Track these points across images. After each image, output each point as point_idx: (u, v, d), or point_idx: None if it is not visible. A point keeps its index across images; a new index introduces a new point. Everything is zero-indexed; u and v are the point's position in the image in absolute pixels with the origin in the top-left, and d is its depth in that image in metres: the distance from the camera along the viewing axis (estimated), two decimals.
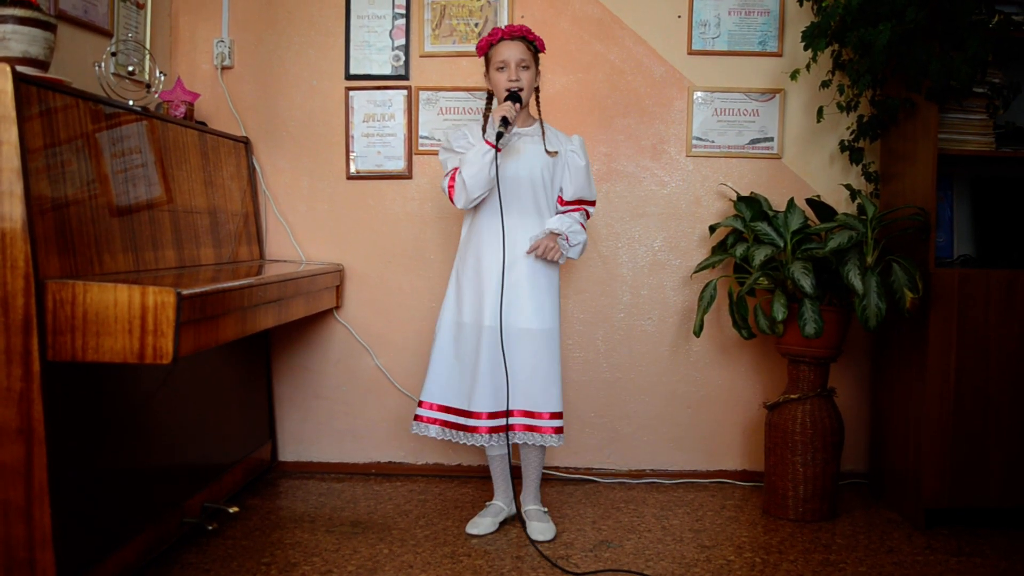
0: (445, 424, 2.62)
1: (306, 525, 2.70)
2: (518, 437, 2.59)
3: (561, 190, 2.65)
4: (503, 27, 2.61)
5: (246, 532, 2.62)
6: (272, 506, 2.88)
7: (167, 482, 2.40)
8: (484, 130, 2.62)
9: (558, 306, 2.67)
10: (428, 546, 2.54)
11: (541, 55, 2.66)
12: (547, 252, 2.54)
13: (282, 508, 2.87)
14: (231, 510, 2.58)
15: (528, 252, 2.57)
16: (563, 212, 2.65)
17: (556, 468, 3.23)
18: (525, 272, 2.58)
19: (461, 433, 2.60)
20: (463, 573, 2.34)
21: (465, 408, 2.59)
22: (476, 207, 2.63)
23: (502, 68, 2.56)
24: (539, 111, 2.69)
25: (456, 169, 2.54)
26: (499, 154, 2.49)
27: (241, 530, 2.63)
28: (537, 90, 2.66)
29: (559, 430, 2.58)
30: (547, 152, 2.61)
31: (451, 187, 2.56)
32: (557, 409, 2.58)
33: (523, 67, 2.56)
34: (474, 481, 3.19)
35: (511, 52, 2.55)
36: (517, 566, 2.39)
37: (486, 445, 2.61)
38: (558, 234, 2.57)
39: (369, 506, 2.91)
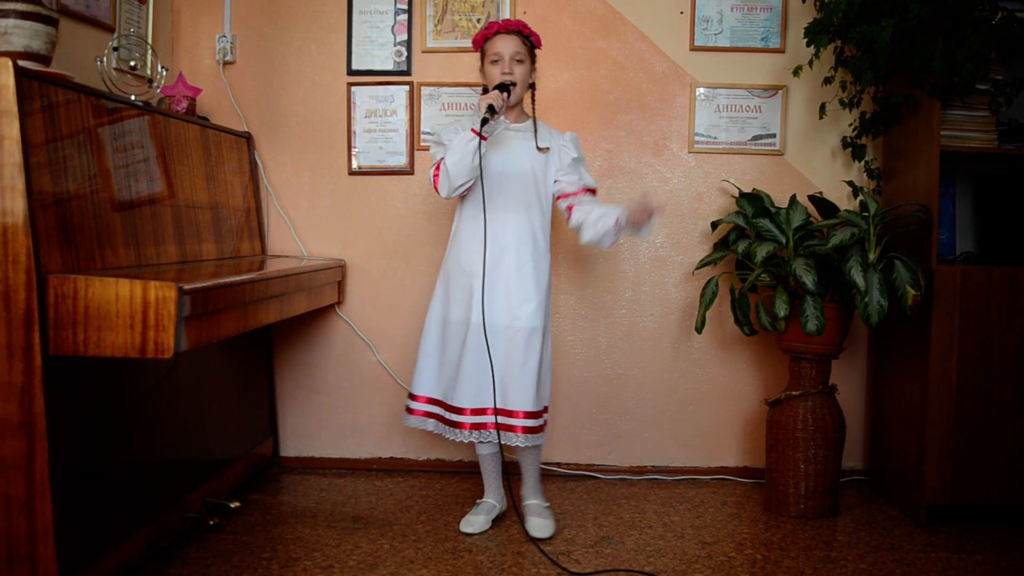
0: (436, 417, 2.61)
1: (307, 520, 2.70)
2: (495, 436, 2.52)
3: (561, 184, 2.61)
4: (499, 21, 2.58)
5: (247, 527, 2.62)
6: (273, 501, 2.89)
7: (168, 477, 2.40)
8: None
9: (547, 303, 2.62)
10: (429, 541, 2.54)
11: (540, 52, 2.64)
12: (647, 213, 2.46)
13: (283, 503, 2.87)
14: (232, 505, 2.59)
15: (629, 220, 2.49)
16: (579, 202, 2.59)
17: (558, 464, 3.23)
18: (513, 268, 2.55)
19: (446, 427, 2.58)
20: (464, 569, 2.34)
21: (449, 403, 2.58)
22: (463, 202, 2.61)
23: (496, 61, 2.54)
24: (533, 109, 2.66)
25: (442, 159, 2.50)
26: (487, 146, 2.45)
27: (242, 525, 2.63)
28: (533, 87, 2.63)
29: (530, 430, 2.50)
30: (538, 148, 2.59)
31: (435, 176, 2.52)
32: (530, 408, 2.51)
33: (517, 61, 2.53)
34: (475, 477, 3.18)
35: (505, 46, 2.53)
36: (518, 562, 2.39)
37: (471, 441, 2.55)
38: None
39: (370, 501, 2.91)
